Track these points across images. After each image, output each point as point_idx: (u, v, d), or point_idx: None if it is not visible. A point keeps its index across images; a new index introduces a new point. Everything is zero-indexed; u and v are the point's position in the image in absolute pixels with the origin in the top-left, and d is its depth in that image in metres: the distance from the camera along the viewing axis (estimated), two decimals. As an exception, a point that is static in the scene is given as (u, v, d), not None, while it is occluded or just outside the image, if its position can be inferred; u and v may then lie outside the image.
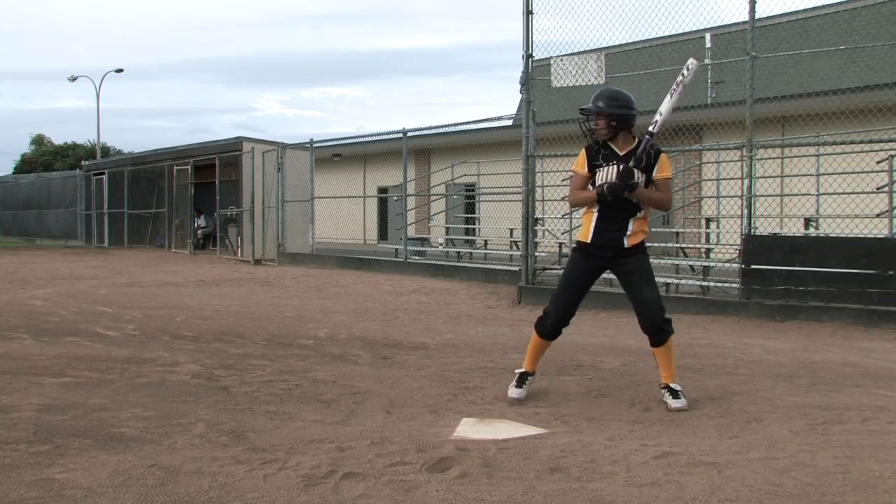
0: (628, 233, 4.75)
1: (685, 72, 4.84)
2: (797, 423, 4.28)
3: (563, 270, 5.09)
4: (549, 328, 4.89)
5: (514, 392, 4.87)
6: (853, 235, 9.46)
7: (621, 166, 4.65)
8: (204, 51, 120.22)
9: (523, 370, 4.97)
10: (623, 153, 4.74)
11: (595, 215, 4.79)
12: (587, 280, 4.87)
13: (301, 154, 19.02)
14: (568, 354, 6.32)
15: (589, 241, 4.81)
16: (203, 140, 32.32)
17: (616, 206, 4.71)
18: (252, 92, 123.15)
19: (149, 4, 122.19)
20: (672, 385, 4.73)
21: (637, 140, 4.79)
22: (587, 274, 4.87)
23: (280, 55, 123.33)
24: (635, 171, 4.65)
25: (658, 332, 4.71)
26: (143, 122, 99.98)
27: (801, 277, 8.58)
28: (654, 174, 4.73)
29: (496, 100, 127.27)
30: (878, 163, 10.85)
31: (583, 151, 4.87)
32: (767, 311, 8.71)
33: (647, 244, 4.92)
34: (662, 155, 4.77)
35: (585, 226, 4.88)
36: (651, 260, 4.92)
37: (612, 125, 4.72)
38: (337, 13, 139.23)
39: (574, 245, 5.06)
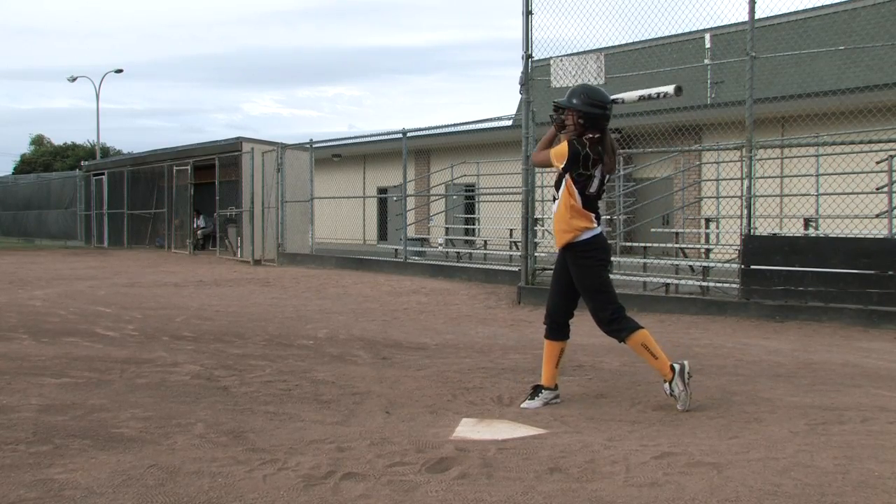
0: (559, 229, 4.79)
1: (664, 91, 5.05)
2: (797, 424, 4.28)
3: None
4: (545, 324, 4.95)
5: (525, 404, 4.76)
6: (853, 236, 9.46)
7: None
8: (196, 49, 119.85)
9: (538, 383, 4.89)
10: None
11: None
12: (562, 275, 4.88)
13: (301, 154, 19.02)
14: (568, 354, 6.28)
15: None
16: (197, 139, 32.33)
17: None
18: (245, 91, 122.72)
19: (145, 2, 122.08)
20: (668, 385, 4.62)
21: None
22: (560, 269, 4.91)
23: (273, 54, 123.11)
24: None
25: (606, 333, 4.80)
26: (137, 121, 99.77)
27: (800, 278, 8.58)
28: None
29: (491, 98, 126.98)
30: (877, 163, 10.86)
31: (570, 146, 4.70)
32: (767, 311, 8.71)
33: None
34: (564, 141, 4.76)
35: None
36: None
37: (579, 122, 4.69)
38: (336, 10, 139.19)
39: None
